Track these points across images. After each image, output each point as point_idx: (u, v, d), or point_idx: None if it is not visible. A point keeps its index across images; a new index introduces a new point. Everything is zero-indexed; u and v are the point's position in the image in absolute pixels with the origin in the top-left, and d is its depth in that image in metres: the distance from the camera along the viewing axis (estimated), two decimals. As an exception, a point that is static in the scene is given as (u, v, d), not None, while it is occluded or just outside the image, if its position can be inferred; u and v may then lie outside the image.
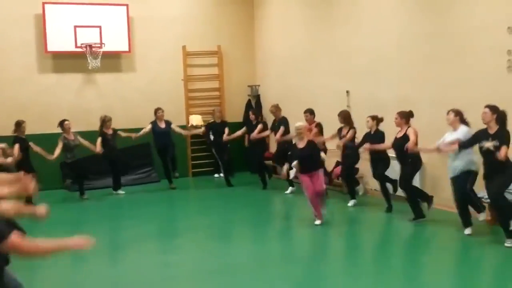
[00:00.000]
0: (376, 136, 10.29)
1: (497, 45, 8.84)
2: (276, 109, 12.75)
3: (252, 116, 13.65)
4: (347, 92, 12.09)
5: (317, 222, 9.39)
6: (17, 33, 13.65)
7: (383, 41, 11.20)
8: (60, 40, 13.76)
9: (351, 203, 10.92)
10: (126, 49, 14.51)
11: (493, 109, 7.73)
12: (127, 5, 14.41)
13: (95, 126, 12.99)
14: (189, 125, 14.86)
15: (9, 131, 11.63)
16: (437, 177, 10.11)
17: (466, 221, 8.41)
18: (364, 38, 11.67)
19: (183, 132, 13.79)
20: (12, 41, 13.61)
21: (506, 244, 7.56)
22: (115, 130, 12.89)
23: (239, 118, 15.06)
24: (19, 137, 11.38)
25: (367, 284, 6.52)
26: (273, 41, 15.17)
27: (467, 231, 8.36)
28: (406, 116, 9.55)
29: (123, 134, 12.93)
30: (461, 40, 9.49)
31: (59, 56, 14.08)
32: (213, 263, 7.57)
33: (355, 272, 7.04)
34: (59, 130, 12.25)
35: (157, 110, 13.35)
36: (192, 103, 15.39)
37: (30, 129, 12.06)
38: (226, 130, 13.55)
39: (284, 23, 14.60)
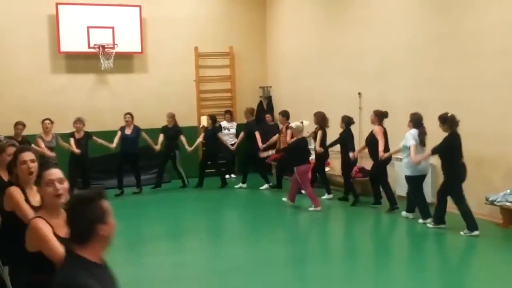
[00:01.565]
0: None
1: (508, 47, 8.79)
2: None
3: (268, 118, 13.93)
4: (359, 94, 12.06)
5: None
6: (31, 33, 13.74)
7: (394, 43, 11.17)
8: (73, 40, 13.83)
9: (325, 196, 11.80)
10: (139, 50, 14.56)
11: (441, 118, 8.67)
12: (140, 6, 14.46)
13: (107, 127, 13.08)
14: (201, 126, 14.87)
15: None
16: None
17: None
18: (375, 39, 11.64)
19: (149, 141, 13.01)
20: (25, 42, 13.69)
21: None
22: (87, 134, 12.34)
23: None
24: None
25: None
26: (285, 43, 15.17)
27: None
28: (379, 115, 10.34)
29: (98, 140, 12.37)
30: (472, 41, 9.44)
31: (72, 57, 14.15)
32: (221, 264, 7.58)
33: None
34: (70, 130, 12.32)
35: (124, 115, 12.92)
36: (203, 104, 15.41)
37: (41, 129, 12.11)
38: (183, 138, 13.28)
39: (296, 24, 14.60)
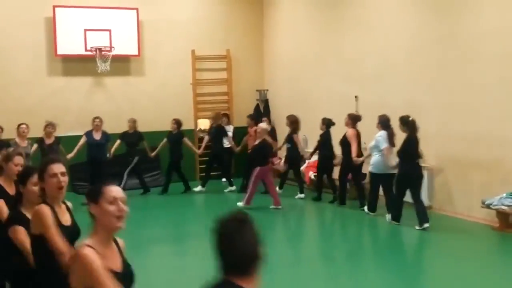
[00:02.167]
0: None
1: (507, 50, 8.82)
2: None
3: (265, 121, 13.91)
4: (356, 97, 12.08)
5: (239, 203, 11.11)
6: (28, 36, 13.71)
7: (392, 46, 11.19)
8: (70, 43, 13.80)
9: (299, 195, 12.26)
10: (136, 52, 14.56)
11: (402, 120, 9.39)
12: (137, 9, 14.46)
13: (105, 129, 13.04)
14: (198, 129, 14.87)
15: (12, 132, 11.69)
16: (448, 185, 10.07)
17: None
18: (373, 42, 11.67)
19: (112, 149, 12.70)
20: (22, 44, 13.67)
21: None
22: (58, 139, 11.93)
23: (247, 123, 15.06)
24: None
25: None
26: (282, 46, 15.18)
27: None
28: (353, 118, 10.96)
29: (62, 150, 11.83)
30: (470, 45, 9.47)
31: (68, 59, 14.14)
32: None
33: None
34: (67, 134, 12.32)
35: (94, 119, 12.47)
36: (200, 107, 15.41)
37: (38, 132, 12.11)
38: (145, 143, 13.06)
39: (293, 27, 14.62)
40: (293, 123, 12.31)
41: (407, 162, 9.20)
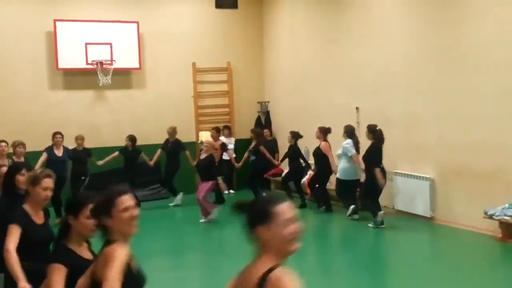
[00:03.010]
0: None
1: (505, 60, 8.82)
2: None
3: (266, 133, 14.18)
4: (357, 108, 12.09)
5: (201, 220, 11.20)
6: (29, 49, 13.77)
7: (391, 57, 11.20)
8: (71, 57, 13.85)
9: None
10: (137, 65, 14.60)
11: (370, 128, 10.24)
12: (137, 22, 14.51)
13: (105, 143, 13.09)
14: (199, 142, 14.86)
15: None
16: (450, 195, 10.04)
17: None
18: (372, 54, 11.68)
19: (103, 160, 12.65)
20: (23, 58, 13.72)
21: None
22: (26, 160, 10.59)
23: (249, 135, 15.06)
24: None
25: None
26: (282, 58, 15.21)
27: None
28: (324, 131, 11.66)
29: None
30: (469, 55, 9.48)
31: (70, 73, 14.18)
32: (223, 279, 7.54)
33: None
34: (67, 147, 12.33)
35: (54, 134, 11.84)
36: (202, 120, 15.42)
37: (39, 145, 12.11)
38: (94, 160, 12.57)
39: (293, 39, 14.65)
40: (259, 136, 13.10)
41: (371, 169, 10.06)
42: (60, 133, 11.94)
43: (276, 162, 13.65)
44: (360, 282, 7.54)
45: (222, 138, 14.27)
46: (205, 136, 14.77)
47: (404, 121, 10.92)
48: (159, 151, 13.30)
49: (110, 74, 14.01)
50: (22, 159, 10.84)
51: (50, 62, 13.98)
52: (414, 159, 10.73)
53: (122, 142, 13.20)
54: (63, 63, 13.88)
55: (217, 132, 13.05)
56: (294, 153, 12.50)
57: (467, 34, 9.51)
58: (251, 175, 13.09)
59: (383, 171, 10.14)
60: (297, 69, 14.46)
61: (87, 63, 13.97)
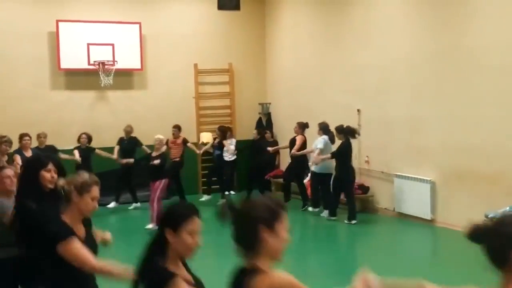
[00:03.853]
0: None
1: (507, 63, 8.83)
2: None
3: (268, 135, 14.18)
4: (358, 110, 12.10)
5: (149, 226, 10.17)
6: (31, 50, 13.79)
7: (393, 59, 11.21)
8: (73, 57, 13.87)
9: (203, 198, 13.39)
10: (139, 66, 14.62)
11: (338, 129, 10.95)
12: (139, 23, 14.54)
13: (107, 143, 13.09)
14: (200, 143, 14.87)
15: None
16: (451, 198, 10.05)
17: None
18: (374, 56, 11.69)
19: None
20: (25, 58, 13.74)
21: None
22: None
23: (250, 136, 15.07)
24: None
25: None
26: (284, 59, 15.23)
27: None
28: (302, 126, 12.34)
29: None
30: (471, 58, 9.49)
31: (72, 73, 14.20)
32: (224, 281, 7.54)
33: None
34: (69, 147, 12.36)
35: (22, 137, 11.25)
36: (203, 121, 15.43)
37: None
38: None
39: (295, 41, 14.67)
40: (223, 132, 13.67)
41: (341, 165, 10.77)
42: (29, 135, 11.32)
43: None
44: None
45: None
46: (206, 138, 14.80)
47: (406, 123, 10.93)
48: (117, 147, 13.20)
49: (112, 74, 14.03)
50: (6, 158, 10.60)
51: (52, 63, 14.00)
52: (415, 161, 10.74)
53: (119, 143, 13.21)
54: (65, 64, 13.91)
55: (179, 130, 13.35)
56: (259, 150, 13.30)
57: (470, 37, 9.52)
58: (216, 169, 13.59)
59: (352, 169, 10.92)
60: (299, 70, 14.47)
61: (89, 64, 13.99)
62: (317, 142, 11.43)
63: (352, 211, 10.79)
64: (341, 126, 10.95)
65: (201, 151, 13.98)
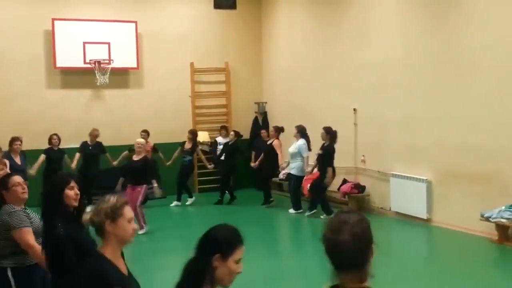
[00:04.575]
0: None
1: (503, 62, 8.84)
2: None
3: (264, 134, 14.14)
4: (354, 110, 12.10)
5: (139, 231, 9.94)
6: (27, 48, 13.76)
7: (389, 59, 11.21)
8: (69, 56, 13.84)
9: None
10: (135, 65, 14.59)
11: (326, 131, 11.10)
12: (135, 22, 14.51)
13: (103, 142, 13.06)
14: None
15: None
16: (446, 197, 10.06)
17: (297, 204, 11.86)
18: (370, 56, 11.69)
19: (33, 169, 11.64)
20: (21, 56, 13.71)
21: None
22: None
23: (246, 135, 15.07)
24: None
25: None
26: (280, 59, 15.23)
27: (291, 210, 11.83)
28: (278, 130, 12.83)
29: None
30: (467, 57, 9.49)
31: (67, 72, 14.17)
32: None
33: None
34: (66, 146, 12.34)
35: (14, 141, 10.92)
36: (199, 120, 15.42)
37: (36, 144, 12.12)
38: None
39: (291, 40, 14.67)
40: (195, 137, 13.59)
41: (326, 166, 11.02)
42: (20, 140, 11.00)
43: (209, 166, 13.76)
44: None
45: (219, 139, 14.29)
46: (203, 137, 14.79)
47: (402, 122, 10.94)
48: (77, 155, 12.72)
49: (108, 73, 14.01)
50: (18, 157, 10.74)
51: (48, 61, 13.97)
52: (411, 160, 10.75)
53: (119, 141, 13.22)
54: (61, 62, 13.88)
55: (147, 134, 13.26)
56: (235, 151, 13.30)
57: (465, 37, 9.52)
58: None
59: (334, 171, 11.16)
60: (295, 70, 14.47)
61: (85, 62, 13.96)
62: (300, 148, 11.60)
63: (327, 207, 11.11)
64: (330, 128, 11.14)
65: (169, 163, 13.45)
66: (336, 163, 11.46)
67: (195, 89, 15.35)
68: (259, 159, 13.35)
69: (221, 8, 15.65)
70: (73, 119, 14.02)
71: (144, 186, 10.39)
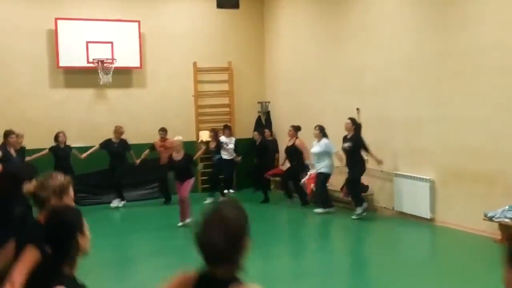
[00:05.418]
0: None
1: (506, 64, 8.82)
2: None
3: (267, 133, 14.16)
4: (357, 109, 12.08)
5: (179, 224, 10.71)
6: (30, 48, 13.77)
7: (392, 60, 11.19)
8: (72, 55, 13.85)
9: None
10: (138, 65, 14.60)
11: (353, 121, 11.15)
12: (139, 21, 14.51)
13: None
14: (199, 141, 14.86)
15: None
16: (450, 197, 10.04)
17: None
18: (373, 56, 11.68)
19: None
20: (24, 56, 13.73)
21: (356, 213, 10.94)
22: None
23: (249, 135, 15.04)
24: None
25: None
26: (283, 58, 15.21)
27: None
28: (296, 129, 12.65)
29: None
30: (469, 59, 9.47)
31: (70, 71, 14.18)
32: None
33: None
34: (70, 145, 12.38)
35: (8, 134, 11.08)
36: (202, 119, 15.42)
37: (39, 143, 12.13)
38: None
39: (294, 40, 14.65)
40: (216, 133, 13.91)
41: (354, 160, 11.06)
42: (13, 132, 11.23)
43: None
44: (358, 282, 7.54)
45: (223, 138, 14.28)
46: (206, 136, 14.79)
47: (405, 122, 10.92)
48: (95, 148, 13.07)
49: (111, 73, 14.02)
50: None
51: (51, 61, 13.98)
52: (415, 160, 10.73)
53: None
54: (64, 62, 13.88)
55: (166, 132, 13.52)
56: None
57: (468, 38, 9.50)
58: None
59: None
60: (298, 69, 14.46)
61: (88, 62, 13.97)
62: (328, 147, 11.65)
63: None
64: (355, 119, 11.40)
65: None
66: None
67: (198, 89, 15.34)
68: (283, 160, 13.45)
69: (224, 8, 15.64)
70: (76, 118, 14.03)
71: (192, 179, 11.01)
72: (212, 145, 14.07)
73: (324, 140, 11.68)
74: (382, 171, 11.42)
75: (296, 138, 12.64)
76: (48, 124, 13.40)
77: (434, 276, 7.63)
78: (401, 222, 10.61)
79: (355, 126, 11.09)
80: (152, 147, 13.50)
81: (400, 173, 10.95)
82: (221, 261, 2.32)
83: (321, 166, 11.70)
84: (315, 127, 11.81)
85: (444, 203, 10.12)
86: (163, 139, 13.56)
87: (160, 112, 14.75)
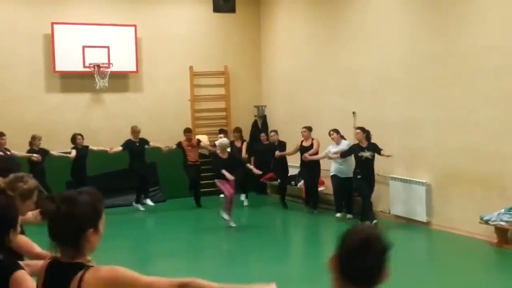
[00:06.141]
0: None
1: (503, 65, 8.85)
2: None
3: (263, 137, 14.11)
4: (354, 113, 12.10)
5: (232, 224, 10.95)
6: (26, 52, 13.75)
7: (389, 62, 11.23)
8: (69, 60, 13.84)
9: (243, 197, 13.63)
10: (134, 69, 14.59)
11: (363, 129, 10.79)
12: (135, 25, 14.52)
13: (102, 145, 13.07)
14: (200, 145, 14.83)
15: (15, 148, 11.82)
16: (446, 200, 10.06)
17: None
18: (370, 58, 11.70)
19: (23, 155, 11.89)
20: (20, 60, 13.71)
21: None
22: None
23: (245, 138, 15.05)
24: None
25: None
26: (279, 62, 15.23)
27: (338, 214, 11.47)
28: (310, 130, 12.36)
29: None
30: (466, 60, 9.50)
31: (67, 76, 14.17)
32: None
33: None
34: (65, 149, 12.35)
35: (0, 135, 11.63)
36: (198, 123, 15.41)
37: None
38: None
39: (290, 43, 14.67)
40: (240, 131, 13.87)
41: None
42: (4, 134, 11.59)
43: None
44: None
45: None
46: (202, 139, 14.74)
47: (401, 125, 10.94)
48: (119, 148, 13.08)
49: (107, 77, 14.01)
50: None
51: (47, 65, 13.97)
52: (411, 163, 10.75)
53: (119, 145, 13.17)
54: (60, 66, 13.87)
55: (190, 132, 13.82)
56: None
57: (465, 39, 9.54)
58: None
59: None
60: (294, 73, 14.47)
61: (84, 66, 13.96)
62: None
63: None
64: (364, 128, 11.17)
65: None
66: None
67: (194, 93, 15.35)
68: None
69: (220, 12, 15.66)
70: (72, 123, 13.98)
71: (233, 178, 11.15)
72: (238, 144, 13.88)
73: (344, 142, 11.56)
74: (378, 174, 11.43)
75: (313, 138, 12.33)
76: (45, 128, 13.34)
77: (430, 279, 7.65)
78: (398, 225, 10.62)
79: (366, 134, 10.81)
80: (179, 144, 13.54)
81: (396, 176, 10.97)
82: (65, 243, 2.53)
83: (340, 168, 11.51)
84: (330, 132, 11.59)
85: (440, 206, 10.15)
86: (189, 138, 13.65)
87: (156, 116, 14.75)
